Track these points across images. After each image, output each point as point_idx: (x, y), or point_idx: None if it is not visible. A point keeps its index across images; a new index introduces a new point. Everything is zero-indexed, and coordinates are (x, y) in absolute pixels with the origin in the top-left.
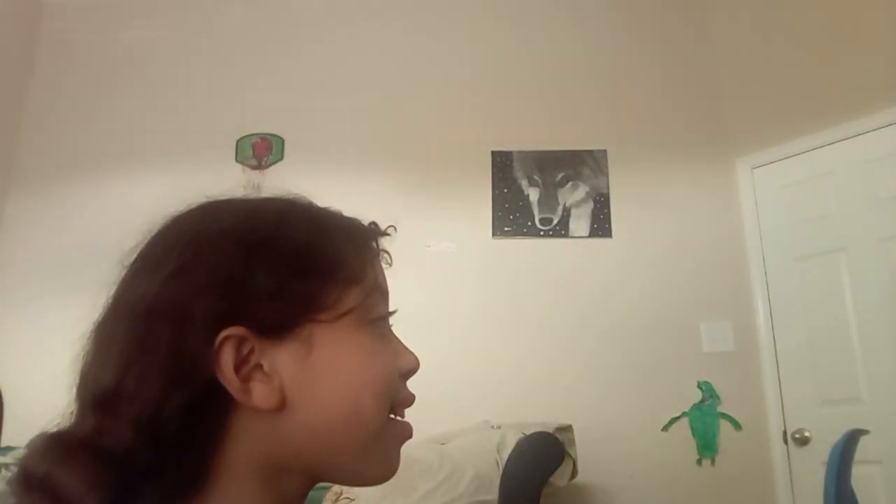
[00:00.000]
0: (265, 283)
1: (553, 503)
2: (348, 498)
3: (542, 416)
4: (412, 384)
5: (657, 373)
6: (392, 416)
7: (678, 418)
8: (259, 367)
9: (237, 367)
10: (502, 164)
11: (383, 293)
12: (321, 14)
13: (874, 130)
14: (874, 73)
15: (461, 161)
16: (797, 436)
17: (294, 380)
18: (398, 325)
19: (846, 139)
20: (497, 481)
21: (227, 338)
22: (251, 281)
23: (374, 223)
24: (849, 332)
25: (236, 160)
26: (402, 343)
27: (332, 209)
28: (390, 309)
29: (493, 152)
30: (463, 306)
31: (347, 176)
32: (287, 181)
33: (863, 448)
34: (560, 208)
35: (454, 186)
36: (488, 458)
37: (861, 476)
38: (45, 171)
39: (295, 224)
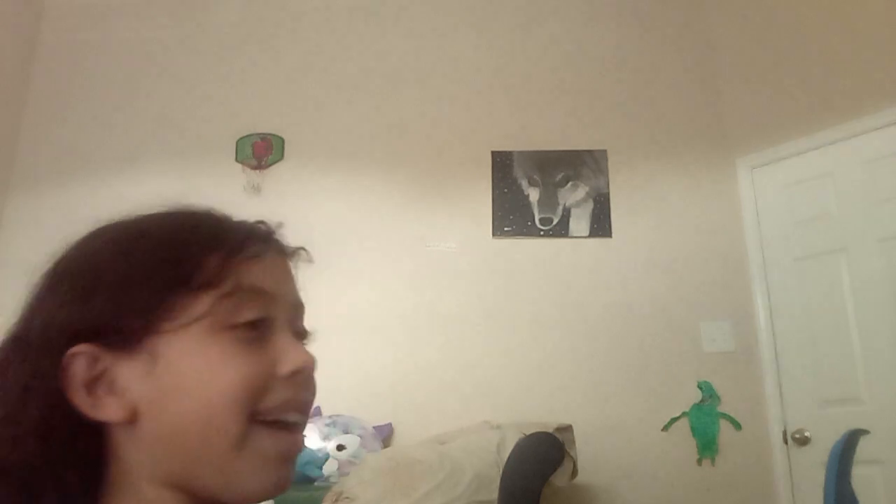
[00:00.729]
0: (107, 300)
1: (553, 503)
2: (348, 498)
3: (542, 416)
4: (416, 382)
5: (657, 373)
6: (269, 423)
7: (678, 418)
8: (112, 381)
9: (91, 383)
10: (502, 164)
11: (255, 295)
12: (321, 14)
13: (874, 130)
14: (874, 73)
15: (461, 161)
16: (797, 436)
17: (143, 392)
18: (400, 324)
19: (846, 139)
20: (497, 481)
21: (74, 356)
22: (97, 298)
23: (261, 222)
24: (849, 332)
25: (236, 160)
26: (288, 343)
27: (215, 213)
28: (285, 309)
29: (493, 152)
30: (463, 306)
31: (347, 176)
32: (287, 181)
33: (863, 448)
34: (560, 208)
35: (454, 186)
36: (488, 458)
37: (861, 476)
38: (45, 171)
39: (151, 237)
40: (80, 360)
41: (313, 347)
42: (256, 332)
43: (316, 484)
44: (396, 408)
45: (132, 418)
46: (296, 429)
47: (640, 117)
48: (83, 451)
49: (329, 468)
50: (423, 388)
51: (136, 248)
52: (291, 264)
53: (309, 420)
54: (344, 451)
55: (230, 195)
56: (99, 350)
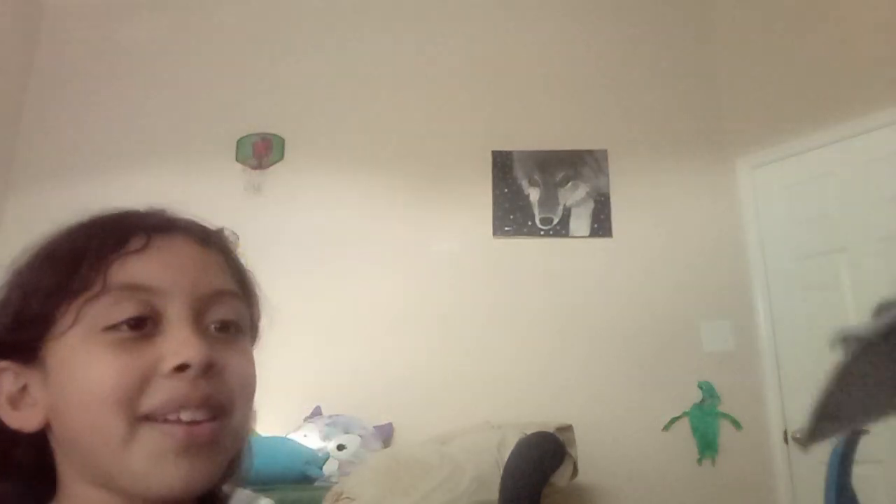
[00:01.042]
0: (7, 314)
1: (553, 503)
2: (349, 498)
3: (542, 416)
4: (417, 382)
5: (657, 373)
6: (154, 422)
7: (678, 418)
8: (31, 394)
9: (16, 397)
10: (502, 163)
11: (130, 293)
12: (321, 14)
13: (875, 130)
14: (874, 73)
15: (461, 161)
16: (797, 436)
17: (46, 401)
18: (400, 324)
19: (846, 139)
20: (497, 481)
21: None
22: (2, 314)
23: (159, 210)
24: None
25: (236, 160)
26: (177, 337)
27: (110, 213)
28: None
29: (493, 152)
30: (463, 306)
31: (347, 176)
32: (287, 181)
33: (863, 448)
34: (560, 208)
35: (454, 186)
36: (488, 458)
37: (861, 476)
38: (45, 170)
39: (46, 250)
40: (7, 375)
41: (313, 347)
42: (139, 330)
43: (316, 484)
44: (397, 408)
45: (45, 425)
46: (194, 423)
47: (640, 117)
48: (23, 461)
49: (329, 468)
50: (423, 388)
51: (31, 263)
52: (214, 251)
53: (309, 420)
54: (344, 451)
55: (230, 195)
56: (18, 365)
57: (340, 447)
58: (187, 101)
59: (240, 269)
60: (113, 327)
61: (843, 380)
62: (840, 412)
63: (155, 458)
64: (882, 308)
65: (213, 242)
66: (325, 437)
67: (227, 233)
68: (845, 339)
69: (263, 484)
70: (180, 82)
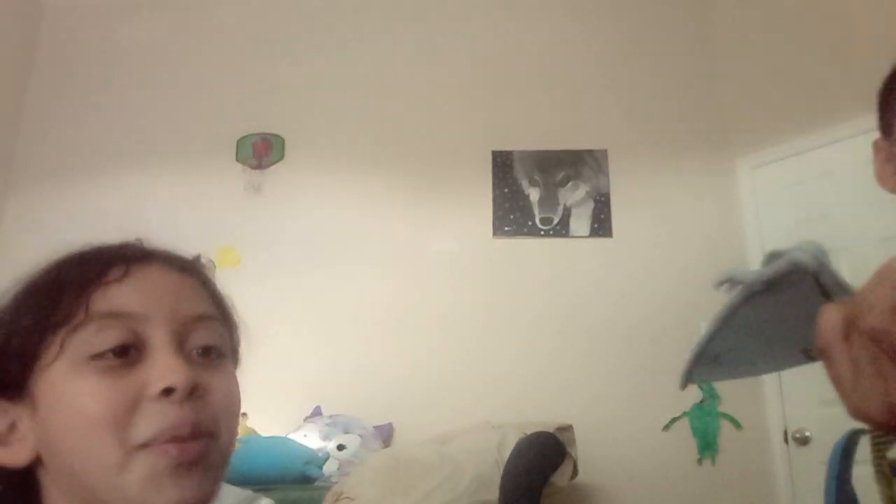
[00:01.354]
0: None
1: (553, 503)
2: (349, 498)
3: (542, 416)
4: (417, 382)
5: (657, 372)
6: (146, 446)
7: (678, 418)
8: (19, 429)
9: (5, 434)
10: (502, 163)
11: (112, 321)
12: (321, 14)
13: (874, 130)
14: (874, 72)
15: (461, 161)
16: (797, 436)
17: (37, 434)
18: (401, 324)
19: (846, 139)
20: (497, 481)
21: None
22: None
23: (127, 243)
24: None
25: (236, 160)
26: (160, 362)
27: (90, 247)
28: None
29: (493, 152)
30: (463, 306)
31: (347, 176)
32: (287, 181)
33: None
34: (560, 208)
35: (454, 186)
36: (488, 458)
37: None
38: (45, 170)
39: (29, 285)
40: None
41: (313, 347)
42: (124, 357)
43: (316, 484)
44: (397, 408)
45: (35, 459)
46: (183, 439)
47: (640, 117)
48: (15, 496)
49: (329, 468)
50: (423, 388)
51: (12, 301)
52: (192, 276)
53: (309, 420)
54: (344, 451)
55: (230, 195)
56: (5, 402)
57: (340, 447)
58: (187, 101)
59: (217, 294)
60: (99, 356)
61: (727, 323)
62: (721, 356)
63: (150, 481)
64: (771, 257)
65: (190, 269)
66: (325, 437)
67: (203, 260)
68: (731, 281)
69: (263, 484)
70: (180, 82)
